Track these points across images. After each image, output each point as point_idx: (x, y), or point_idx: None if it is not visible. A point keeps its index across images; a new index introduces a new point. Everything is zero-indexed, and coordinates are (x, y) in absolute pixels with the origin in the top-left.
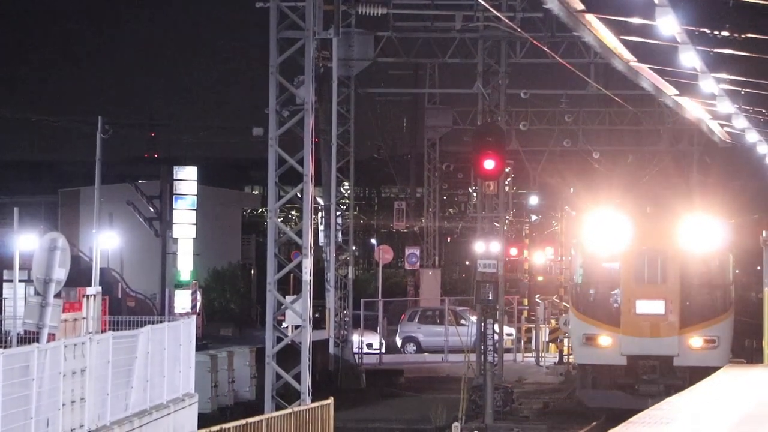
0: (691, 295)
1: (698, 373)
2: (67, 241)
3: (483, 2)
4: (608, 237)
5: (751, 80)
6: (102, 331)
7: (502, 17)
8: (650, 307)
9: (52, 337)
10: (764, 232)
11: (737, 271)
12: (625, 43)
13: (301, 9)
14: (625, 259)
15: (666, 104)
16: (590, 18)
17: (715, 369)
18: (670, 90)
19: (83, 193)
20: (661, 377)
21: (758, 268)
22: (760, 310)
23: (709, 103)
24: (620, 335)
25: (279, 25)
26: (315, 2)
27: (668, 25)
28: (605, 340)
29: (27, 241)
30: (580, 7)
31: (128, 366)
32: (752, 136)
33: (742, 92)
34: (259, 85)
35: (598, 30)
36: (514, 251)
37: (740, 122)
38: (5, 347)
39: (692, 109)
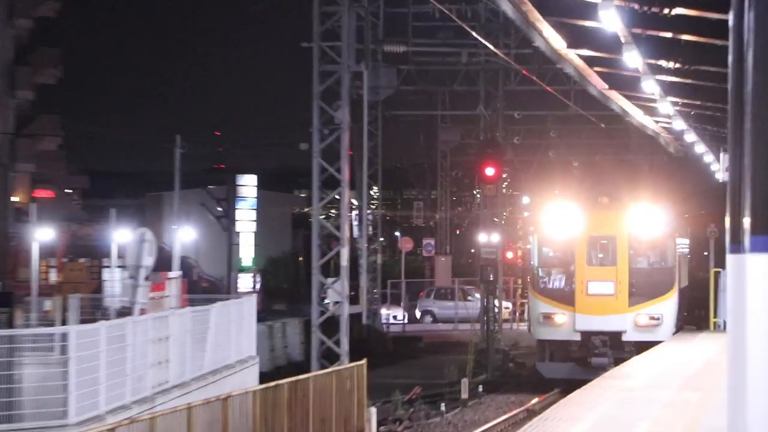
0: (637, 276)
1: (644, 348)
2: (153, 235)
3: (484, 41)
4: (562, 225)
5: (698, 103)
6: (182, 307)
7: (499, 53)
8: (601, 287)
9: (142, 311)
10: (711, 225)
11: (689, 255)
12: (599, 74)
13: (338, 48)
14: (579, 245)
15: (631, 123)
16: (570, 53)
17: (658, 343)
18: (634, 111)
19: (165, 197)
20: (611, 351)
21: (705, 253)
22: (707, 286)
23: (666, 121)
24: (574, 313)
25: (320, 61)
26: (349, 42)
27: (633, 58)
28: (561, 318)
29: (122, 235)
30: (563, 45)
31: (203, 334)
32: (700, 148)
33: (692, 113)
34: (305, 107)
35: (577, 63)
36: (510, 254)
37: (690, 137)
38: (107, 319)
39: (652, 126)
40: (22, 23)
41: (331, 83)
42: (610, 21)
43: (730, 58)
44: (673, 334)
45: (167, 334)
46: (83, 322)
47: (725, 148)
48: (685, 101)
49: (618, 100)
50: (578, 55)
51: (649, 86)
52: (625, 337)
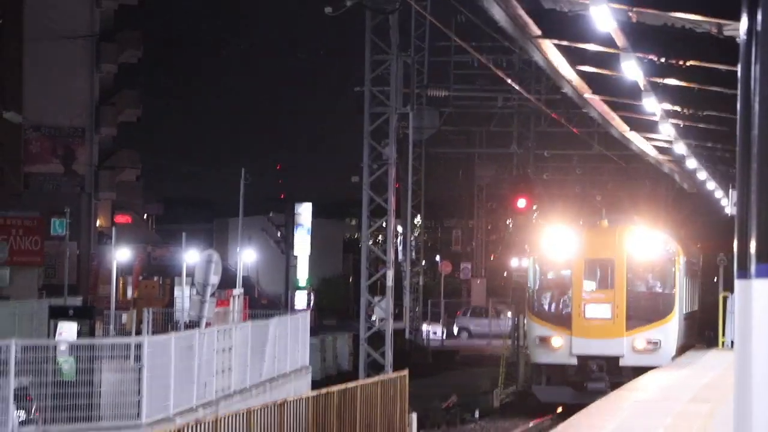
0: (636, 300)
1: (642, 373)
2: (219, 257)
3: (518, 87)
4: (560, 247)
5: (709, 144)
6: (243, 321)
7: (531, 98)
8: (598, 311)
9: (208, 324)
10: (720, 253)
11: (699, 282)
12: (621, 117)
13: (387, 92)
14: (576, 267)
15: (649, 162)
16: (594, 99)
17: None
18: (652, 152)
19: (231, 223)
20: (608, 376)
21: (714, 279)
22: (717, 309)
23: (680, 161)
24: (571, 337)
25: (371, 103)
26: (397, 87)
27: (651, 104)
28: (557, 341)
29: (191, 256)
30: (588, 92)
31: (262, 346)
32: (711, 185)
33: (704, 153)
34: (357, 145)
35: (601, 108)
36: None
37: (702, 174)
38: (177, 331)
39: (668, 164)
40: (108, 68)
41: (380, 123)
42: (631, 71)
43: (738, 105)
44: (673, 358)
45: (230, 345)
46: (155, 333)
47: (734, 185)
48: (697, 143)
49: (637, 141)
50: (602, 100)
51: (666, 129)
52: (622, 362)
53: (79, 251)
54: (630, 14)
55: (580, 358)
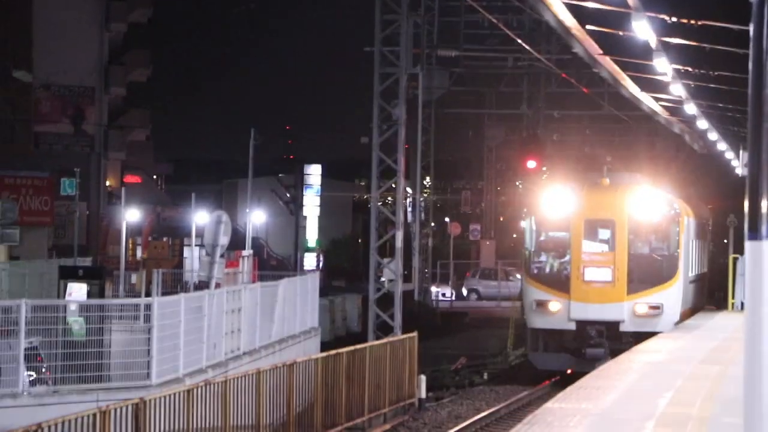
0: (637, 263)
1: (643, 339)
2: (228, 217)
3: (528, 48)
4: (559, 206)
5: (720, 105)
6: (253, 282)
7: (542, 58)
8: (598, 274)
9: (218, 285)
10: (731, 215)
11: (709, 243)
12: (631, 77)
13: (397, 52)
14: (575, 228)
15: (659, 122)
16: (605, 59)
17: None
18: (663, 113)
19: (240, 183)
20: (607, 342)
21: (725, 240)
22: (727, 271)
23: (690, 122)
24: (569, 301)
25: (380, 63)
26: (407, 47)
27: (662, 64)
28: (555, 305)
29: (201, 217)
30: (599, 51)
31: (271, 307)
32: (721, 146)
33: (714, 114)
34: (367, 105)
35: (612, 68)
36: None
37: (713, 135)
38: (186, 292)
39: (679, 125)
40: (117, 27)
41: (390, 84)
42: (642, 30)
43: (750, 65)
44: (676, 324)
45: (239, 306)
46: (165, 294)
47: (745, 146)
48: (708, 103)
49: (648, 102)
50: (613, 60)
51: (677, 89)
52: (622, 327)
53: (88, 211)
54: None
55: (579, 323)
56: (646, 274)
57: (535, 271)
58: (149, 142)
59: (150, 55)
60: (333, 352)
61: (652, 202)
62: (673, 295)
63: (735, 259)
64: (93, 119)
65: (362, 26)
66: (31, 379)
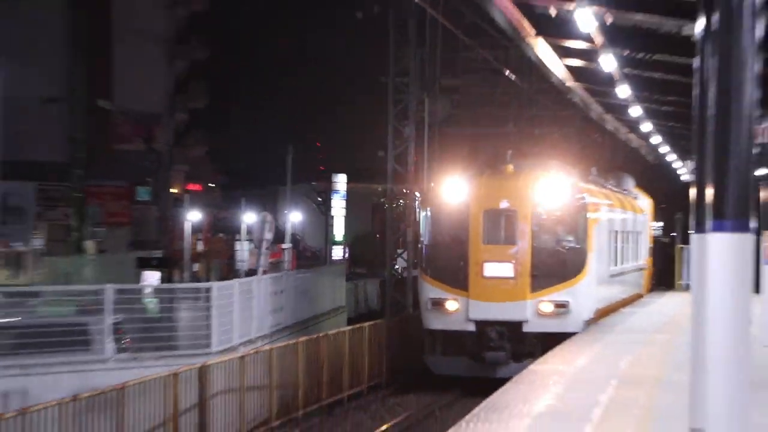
0: (542, 257)
1: (549, 340)
2: (272, 217)
3: (514, 78)
4: (455, 197)
5: (670, 124)
6: (292, 270)
7: (523, 87)
8: (498, 269)
9: (264, 272)
10: (677, 214)
11: (661, 235)
12: (597, 102)
13: (407, 82)
14: (474, 220)
15: (620, 138)
16: (576, 86)
17: (566, 336)
18: (623, 130)
19: (280, 190)
20: (509, 345)
21: (672, 234)
22: (673, 259)
23: (646, 138)
24: (468, 300)
25: (394, 91)
26: (415, 77)
27: (623, 91)
28: (452, 304)
29: (249, 217)
30: (572, 81)
31: (306, 288)
32: (671, 157)
33: (665, 131)
34: (383, 125)
35: (582, 94)
36: None
37: (664, 148)
38: (238, 278)
39: (636, 140)
40: (181, 64)
41: (402, 108)
42: (607, 63)
43: (694, 91)
44: (587, 323)
45: (281, 288)
46: (221, 279)
47: (690, 157)
48: (660, 122)
49: (612, 121)
50: (583, 87)
51: (635, 111)
52: (526, 328)
53: (159, 213)
54: (606, 16)
55: (479, 323)
56: (551, 269)
57: (431, 267)
58: (207, 156)
59: (207, 86)
60: (357, 326)
61: (558, 191)
62: (581, 291)
63: (680, 249)
64: (161, 139)
65: (379, 58)
66: (116, 348)
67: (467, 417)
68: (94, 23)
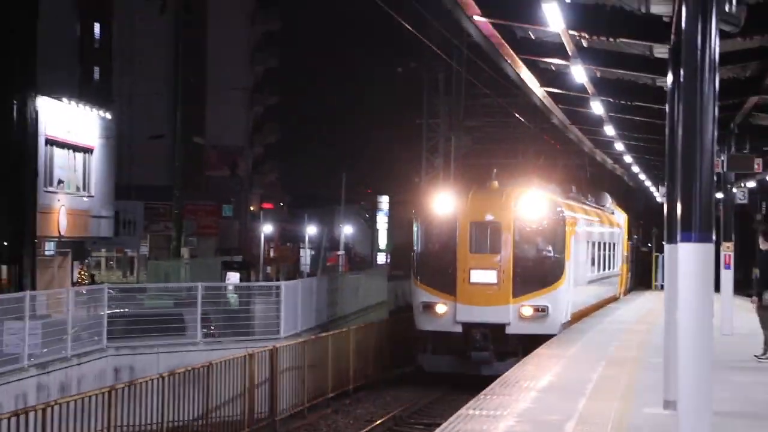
0: (523, 265)
1: (530, 342)
2: (329, 230)
3: (522, 119)
4: (445, 209)
5: (647, 156)
6: (345, 272)
7: (531, 127)
8: (484, 276)
9: (324, 274)
10: (653, 228)
11: (639, 245)
12: (589, 138)
13: (438, 122)
14: (462, 231)
15: (607, 167)
16: (572, 126)
17: (545, 337)
18: (609, 161)
19: (336, 208)
20: (492, 345)
21: (649, 244)
22: (650, 265)
23: (628, 168)
24: (456, 303)
25: (426, 130)
26: (444, 119)
27: (610, 131)
28: (441, 308)
29: (311, 229)
30: (569, 122)
31: (356, 286)
32: (648, 183)
33: (643, 161)
34: (418, 157)
35: (576, 132)
36: None
37: (642, 176)
38: (302, 278)
39: (620, 169)
40: (258, 109)
41: (433, 143)
42: (596, 108)
43: (666, 130)
44: (564, 326)
45: (336, 287)
46: (288, 279)
47: (663, 183)
48: (638, 155)
49: (601, 154)
50: (577, 128)
51: (618, 146)
52: (508, 330)
53: (239, 226)
54: (596, 72)
55: (465, 325)
56: (531, 276)
57: (422, 274)
58: (278, 181)
59: (278, 126)
60: (395, 317)
61: (538, 205)
62: (559, 297)
63: (656, 257)
64: (243, 167)
65: (415, 104)
66: (204, 333)
67: (485, 390)
68: (191, 75)
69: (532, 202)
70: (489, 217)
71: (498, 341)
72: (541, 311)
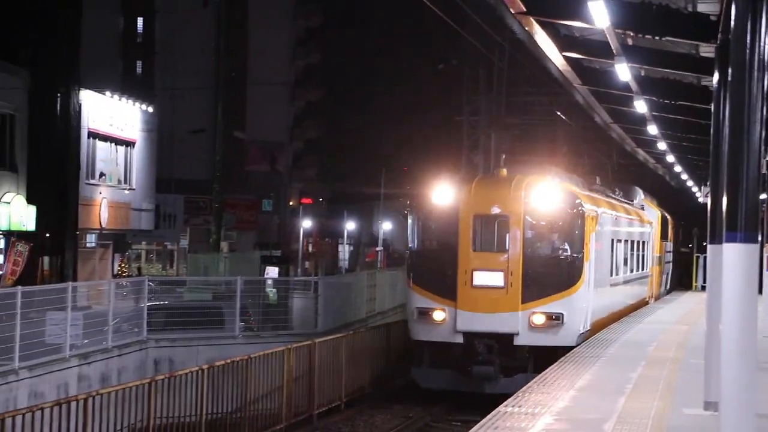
0: (535, 266)
1: (541, 354)
2: (368, 227)
3: (564, 117)
4: (444, 201)
5: (690, 156)
6: (383, 268)
7: (572, 125)
8: (488, 278)
9: (362, 270)
10: (694, 229)
11: (680, 244)
12: (632, 138)
13: (478, 120)
14: (464, 225)
15: (649, 167)
16: (615, 125)
17: (560, 350)
18: (651, 160)
19: (375, 204)
20: (499, 358)
21: (689, 245)
22: (691, 265)
23: (670, 167)
24: (456, 310)
25: (467, 127)
26: (484, 117)
27: (653, 130)
28: (439, 315)
29: (350, 225)
30: (611, 120)
31: (394, 282)
32: (690, 183)
33: (686, 161)
34: (458, 154)
35: (619, 132)
36: None
37: (684, 176)
38: (340, 274)
39: (662, 169)
40: (298, 103)
41: (473, 140)
42: (640, 106)
43: (711, 131)
44: (582, 336)
45: (374, 283)
46: (326, 274)
47: (706, 183)
48: (681, 154)
49: (642, 154)
50: (620, 126)
51: (662, 145)
52: (517, 341)
53: (279, 221)
54: (641, 71)
55: (467, 335)
56: (544, 278)
57: (417, 275)
58: (317, 176)
59: (318, 121)
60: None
61: (553, 196)
62: (577, 303)
63: (697, 257)
64: (282, 163)
65: (456, 101)
66: (243, 326)
67: (523, 388)
68: (233, 70)
69: (546, 193)
70: (495, 210)
71: (504, 354)
72: (555, 319)
